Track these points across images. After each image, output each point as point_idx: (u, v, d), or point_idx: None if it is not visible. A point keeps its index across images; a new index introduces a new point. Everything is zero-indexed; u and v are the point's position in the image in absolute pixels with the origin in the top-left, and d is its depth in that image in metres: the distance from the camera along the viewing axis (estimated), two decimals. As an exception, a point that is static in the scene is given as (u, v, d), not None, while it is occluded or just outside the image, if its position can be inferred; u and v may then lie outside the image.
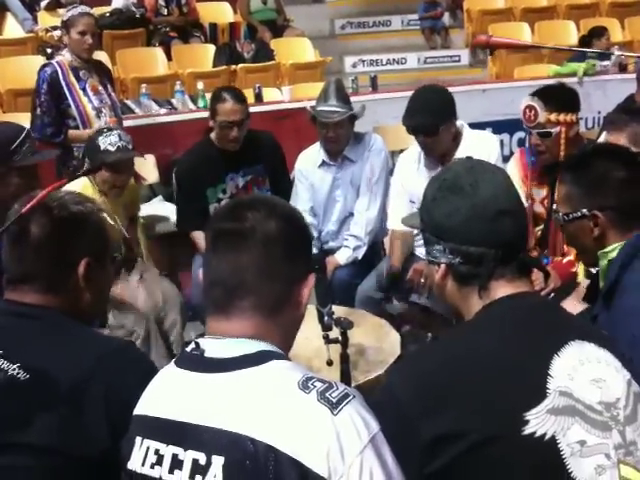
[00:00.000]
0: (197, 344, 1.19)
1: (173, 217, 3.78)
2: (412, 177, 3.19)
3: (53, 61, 3.97)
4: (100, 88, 3.93)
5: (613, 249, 1.68)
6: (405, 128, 3.09)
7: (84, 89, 3.86)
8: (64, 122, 3.83)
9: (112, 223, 3.04)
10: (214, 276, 1.21)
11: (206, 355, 1.17)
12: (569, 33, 8.27)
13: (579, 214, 1.71)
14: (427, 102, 3.07)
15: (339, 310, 2.25)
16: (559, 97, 2.81)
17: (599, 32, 7.25)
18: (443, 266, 1.30)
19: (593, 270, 1.93)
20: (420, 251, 3.20)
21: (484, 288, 1.27)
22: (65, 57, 3.89)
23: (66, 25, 3.88)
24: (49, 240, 1.41)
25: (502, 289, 1.27)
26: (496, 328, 1.24)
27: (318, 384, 1.11)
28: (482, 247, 1.25)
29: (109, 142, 3.03)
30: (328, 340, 1.95)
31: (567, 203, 1.75)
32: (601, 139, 2.73)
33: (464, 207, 1.26)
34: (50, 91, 3.79)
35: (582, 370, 1.20)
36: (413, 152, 3.26)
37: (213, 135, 3.45)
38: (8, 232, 1.41)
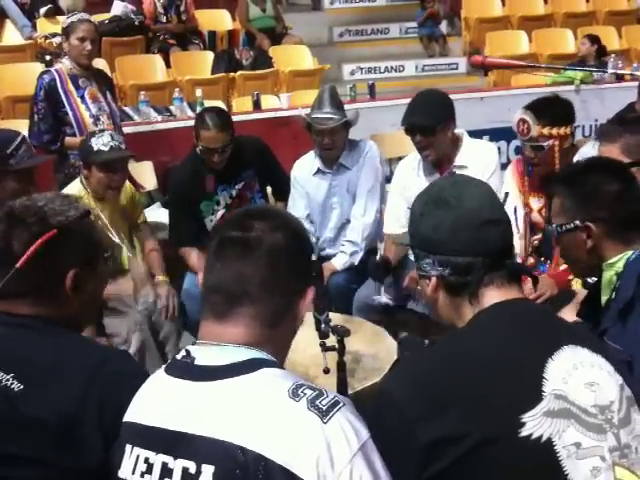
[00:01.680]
0: (187, 352, 1.19)
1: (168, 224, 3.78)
2: (411, 183, 3.20)
3: (52, 69, 3.97)
4: (99, 96, 3.93)
5: (618, 260, 1.69)
6: (404, 130, 3.11)
7: (82, 97, 3.85)
8: (61, 129, 3.83)
9: (106, 231, 3.04)
10: (215, 282, 1.21)
11: (196, 363, 1.17)
12: (566, 41, 8.31)
13: (572, 226, 1.73)
14: (425, 103, 3.11)
15: (336, 317, 2.26)
16: (552, 111, 2.80)
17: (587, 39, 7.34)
18: (434, 279, 1.31)
19: (589, 280, 1.93)
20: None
21: (474, 296, 1.28)
22: (64, 64, 3.89)
23: (66, 31, 3.87)
24: (33, 257, 1.37)
25: (492, 296, 1.28)
26: (489, 332, 1.25)
27: (308, 392, 1.11)
28: (469, 256, 1.27)
29: (102, 142, 3.03)
30: (325, 348, 1.95)
31: (560, 215, 1.77)
32: (589, 148, 2.74)
33: (449, 219, 1.28)
34: (47, 98, 3.79)
35: (576, 374, 1.21)
36: (412, 159, 3.28)
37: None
38: None
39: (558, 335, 1.26)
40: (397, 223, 3.20)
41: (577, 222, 1.72)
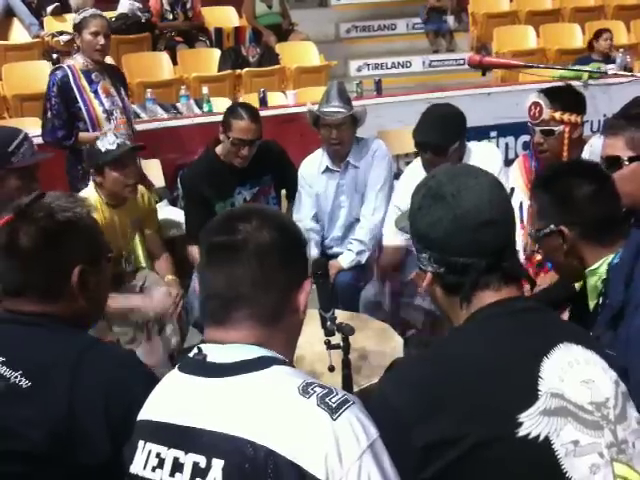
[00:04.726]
0: (199, 349, 1.21)
1: (178, 221, 3.79)
2: None
3: (64, 65, 3.97)
4: (112, 90, 3.93)
5: (600, 265, 1.68)
6: (414, 143, 3.07)
7: (96, 91, 3.87)
8: (75, 125, 3.84)
9: (115, 235, 3.05)
10: (210, 290, 1.22)
11: (208, 360, 1.19)
12: (574, 36, 8.27)
13: (547, 230, 1.73)
14: (440, 121, 3.04)
15: (342, 315, 2.25)
16: (565, 96, 2.84)
17: (598, 34, 7.25)
18: (429, 274, 1.31)
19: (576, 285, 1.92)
20: None
21: (467, 299, 1.27)
22: (77, 60, 3.90)
23: (78, 27, 3.88)
24: (39, 252, 1.40)
25: (488, 298, 1.27)
26: (485, 333, 1.25)
27: (318, 389, 1.12)
28: (465, 257, 1.26)
29: (108, 142, 3.02)
30: (330, 346, 1.95)
31: (538, 219, 1.77)
32: (596, 143, 2.73)
33: (446, 219, 1.26)
34: (60, 94, 3.80)
35: (571, 372, 1.21)
36: (418, 170, 3.20)
37: (219, 149, 3.40)
38: None
39: (553, 333, 1.27)
40: (396, 236, 3.17)
41: (552, 227, 1.72)
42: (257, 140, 3.30)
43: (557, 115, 2.77)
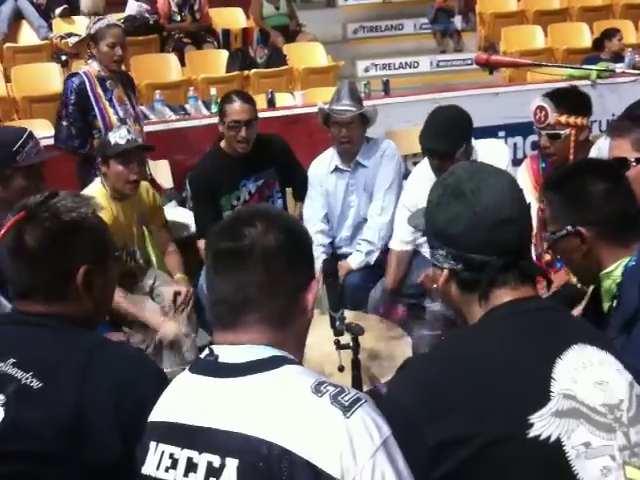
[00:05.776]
0: (211, 350, 1.21)
1: (187, 222, 3.80)
2: (425, 192, 3.15)
3: (80, 71, 3.93)
4: (125, 99, 3.93)
5: (616, 268, 1.65)
6: (421, 148, 3.06)
7: (110, 100, 3.85)
8: (90, 133, 3.82)
9: (122, 231, 3.06)
10: (217, 295, 1.22)
11: (220, 360, 1.19)
12: (582, 35, 8.23)
13: (564, 232, 1.69)
14: (446, 126, 2.99)
15: (351, 315, 2.26)
16: (570, 99, 2.82)
17: (611, 33, 7.21)
18: (446, 271, 1.31)
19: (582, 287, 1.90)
20: (426, 252, 3.20)
21: (485, 296, 1.27)
22: (92, 67, 3.86)
23: (94, 38, 3.83)
24: (43, 252, 1.40)
25: (505, 296, 1.27)
26: (498, 332, 1.25)
27: (330, 388, 1.13)
28: (483, 254, 1.25)
29: (119, 136, 3.07)
30: (339, 346, 1.96)
31: (553, 222, 1.74)
32: (603, 145, 2.72)
33: (465, 215, 1.26)
34: (78, 102, 3.76)
35: (585, 373, 1.20)
36: (427, 172, 3.17)
37: (223, 143, 3.47)
38: (6, 246, 1.41)
39: (567, 334, 1.26)
40: (402, 242, 3.21)
41: (569, 228, 1.68)
42: (253, 120, 3.36)
43: (563, 119, 2.75)
